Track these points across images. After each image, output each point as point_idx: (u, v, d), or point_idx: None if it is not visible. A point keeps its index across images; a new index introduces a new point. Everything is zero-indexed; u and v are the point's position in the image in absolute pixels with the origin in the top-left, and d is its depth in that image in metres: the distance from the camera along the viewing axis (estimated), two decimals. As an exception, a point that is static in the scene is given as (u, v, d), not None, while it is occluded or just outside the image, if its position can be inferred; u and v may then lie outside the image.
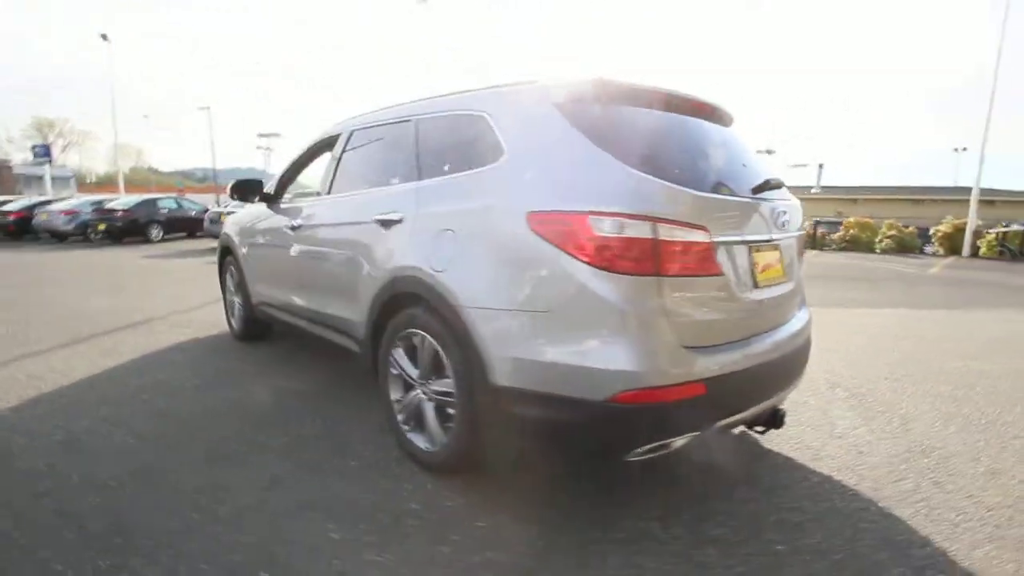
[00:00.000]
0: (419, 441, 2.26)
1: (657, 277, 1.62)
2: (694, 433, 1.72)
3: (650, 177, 1.67)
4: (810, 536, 1.80)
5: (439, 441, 2.15)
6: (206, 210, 18.22)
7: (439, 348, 2.07)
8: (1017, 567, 1.66)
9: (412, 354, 2.27)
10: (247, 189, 3.61)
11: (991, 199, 29.13)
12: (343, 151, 2.99)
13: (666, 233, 1.62)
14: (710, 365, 1.70)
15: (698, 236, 1.68)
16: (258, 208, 3.83)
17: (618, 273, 1.61)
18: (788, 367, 2.06)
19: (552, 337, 1.71)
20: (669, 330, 1.65)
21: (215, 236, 14.35)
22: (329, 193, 2.99)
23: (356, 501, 2.01)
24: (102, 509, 1.94)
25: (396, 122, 2.59)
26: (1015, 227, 14.98)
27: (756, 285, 1.92)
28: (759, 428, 2.17)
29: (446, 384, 2.08)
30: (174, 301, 6.07)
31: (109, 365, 3.62)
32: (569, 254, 1.66)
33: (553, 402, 1.72)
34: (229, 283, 4.35)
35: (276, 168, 4.82)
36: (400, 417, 2.36)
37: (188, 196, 21.05)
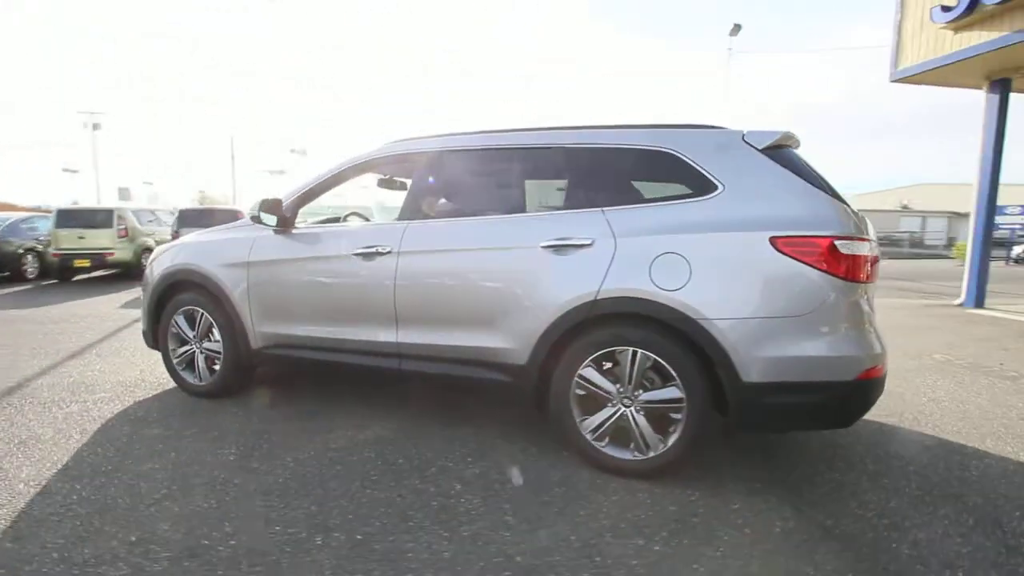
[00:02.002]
0: (621, 453, 2.38)
1: (867, 283, 2.20)
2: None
3: (850, 208, 2.24)
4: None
5: (656, 448, 2.32)
6: None
7: (661, 360, 2.27)
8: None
9: (608, 371, 2.39)
10: (271, 210, 3.01)
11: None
12: (436, 174, 2.83)
13: (873, 249, 2.21)
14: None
15: (877, 251, 2.32)
16: (257, 233, 3.20)
17: (853, 281, 2.13)
18: None
19: (804, 336, 2.12)
20: (872, 321, 2.24)
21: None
22: (427, 217, 2.79)
23: (635, 520, 2.05)
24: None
25: (542, 148, 2.62)
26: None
27: None
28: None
29: (668, 392, 2.28)
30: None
31: (58, 458, 2.57)
32: (818, 269, 2.10)
33: (806, 388, 2.14)
34: (182, 329, 3.43)
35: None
36: (589, 436, 2.43)
37: None
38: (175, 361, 3.50)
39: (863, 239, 2.18)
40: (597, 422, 2.41)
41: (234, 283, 3.21)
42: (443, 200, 2.82)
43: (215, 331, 3.34)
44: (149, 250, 11.17)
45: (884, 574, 1.75)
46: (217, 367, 3.39)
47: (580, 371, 2.41)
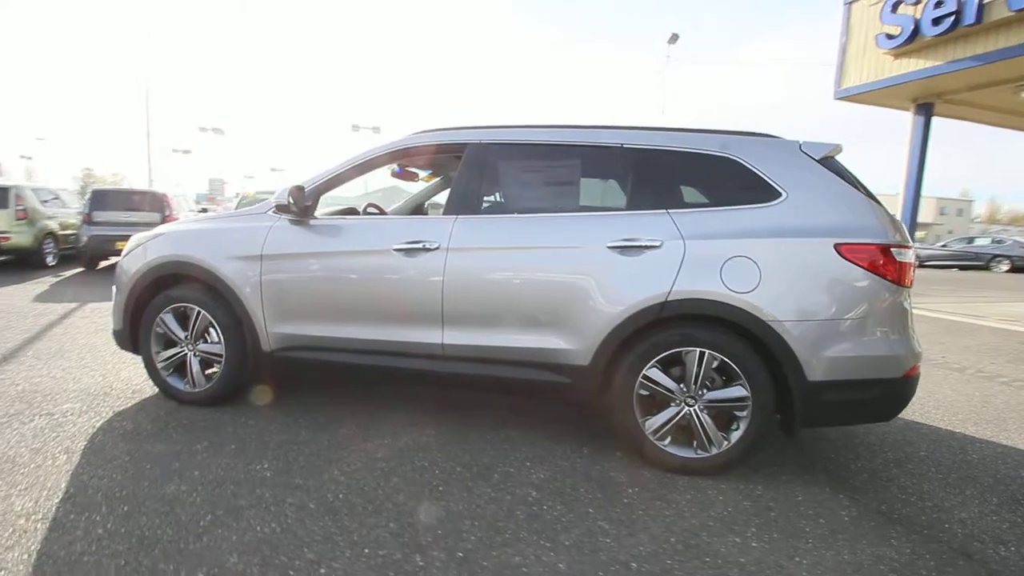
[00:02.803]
0: (684, 452, 2.44)
1: (910, 287, 2.40)
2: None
3: (893, 216, 2.43)
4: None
5: (720, 445, 2.39)
6: None
7: (728, 360, 2.34)
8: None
9: (672, 372, 2.42)
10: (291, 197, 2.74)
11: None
12: (487, 168, 2.71)
13: (913, 255, 2.41)
14: None
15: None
16: (270, 223, 2.91)
17: (902, 285, 2.32)
18: None
19: (862, 336, 2.28)
20: (912, 322, 2.45)
21: None
22: (476, 213, 2.67)
23: (720, 518, 2.10)
24: None
25: (603, 146, 2.59)
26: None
27: None
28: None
29: (733, 391, 2.36)
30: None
31: (52, 485, 2.19)
32: (876, 274, 2.26)
33: (863, 384, 2.30)
34: (170, 329, 3.04)
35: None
36: (651, 435, 2.46)
37: None
38: (160, 365, 3.09)
39: (909, 246, 2.37)
40: (660, 422, 2.44)
41: (244, 278, 2.88)
42: (494, 195, 2.71)
43: (213, 331, 2.99)
44: (51, 234, 9.77)
45: (952, 552, 1.93)
46: (213, 371, 3.05)
47: (645, 371, 2.42)
